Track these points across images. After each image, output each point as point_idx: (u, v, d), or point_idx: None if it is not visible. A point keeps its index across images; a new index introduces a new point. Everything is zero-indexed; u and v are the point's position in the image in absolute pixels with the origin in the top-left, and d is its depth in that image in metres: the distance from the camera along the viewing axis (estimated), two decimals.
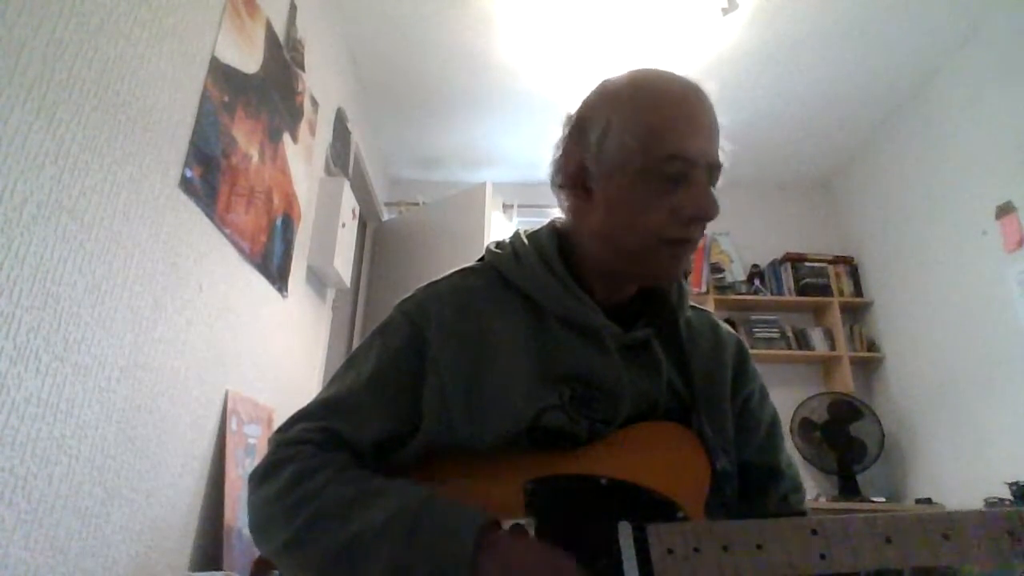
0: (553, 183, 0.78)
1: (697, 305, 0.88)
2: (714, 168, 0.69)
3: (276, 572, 1.32)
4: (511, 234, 0.83)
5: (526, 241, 0.79)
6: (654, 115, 0.68)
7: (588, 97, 0.76)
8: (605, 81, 0.75)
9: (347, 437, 0.69)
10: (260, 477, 0.68)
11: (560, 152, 0.76)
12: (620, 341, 0.74)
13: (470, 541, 0.56)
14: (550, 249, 0.77)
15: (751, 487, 0.78)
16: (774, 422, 0.84)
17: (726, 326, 0.87)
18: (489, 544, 0.56)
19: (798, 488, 0.82)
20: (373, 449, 0.70)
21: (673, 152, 0.67)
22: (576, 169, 0.73)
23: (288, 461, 0.66)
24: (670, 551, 0.58)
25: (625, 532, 0.60)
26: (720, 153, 0.70)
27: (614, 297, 0.77)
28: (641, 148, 0.68)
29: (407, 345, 0.73)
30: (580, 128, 0.74)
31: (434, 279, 0.80)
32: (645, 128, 0.68)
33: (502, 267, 0.78)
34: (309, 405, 0.73)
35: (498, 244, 0.82)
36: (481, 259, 0.83)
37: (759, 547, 0.58)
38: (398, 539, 0.58)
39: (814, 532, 0.59)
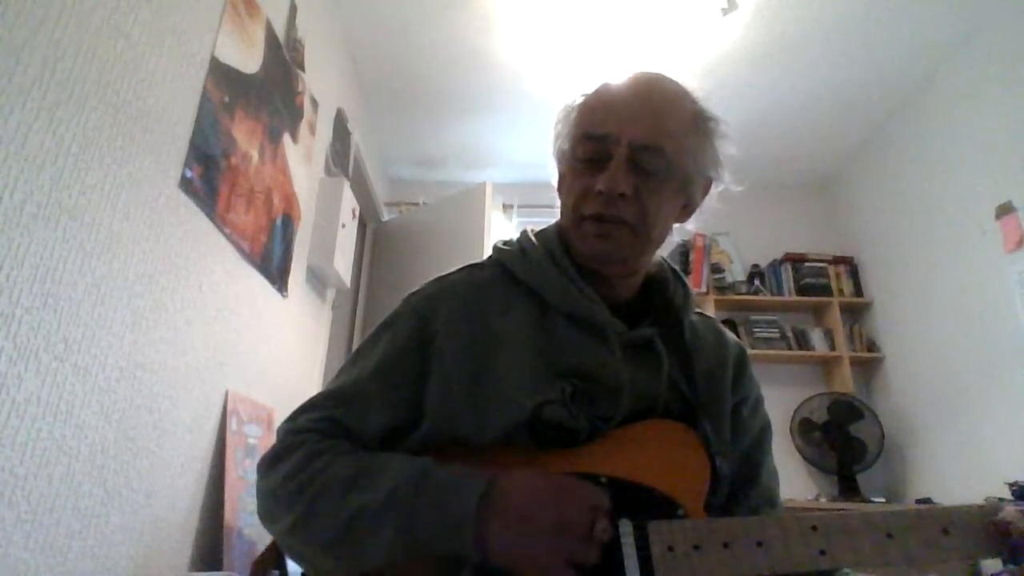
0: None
1: (703, 311, 0.89)
2: (638, 148, 0.70)
3: (276, 572, 1.32)
4: (519, 233, 0.84)
5: (533, 239, 0.80)
6: (581, 107, 0.77)
7: None
8: None
9: (352, 428, 0.70)
10: (268, 464, 0.69)
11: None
12: (624, 338, 0.74)
13: (473, 499, 0.57)
14: (557, 246, 0.78)
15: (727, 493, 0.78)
16: (763, 434, 0.84)
17: (730, 333, 0.88)
18: (492, 501, 0.57)
19: (773, 503, 0.82)
20: (377, 440, 0.71)
21: (587, 133, 0.73)
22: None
23: (294, 448, 0.67)
24: (671, 548, 0.58)
25: (626, 530, 0.60)
26: (665, 137, 0.71)
27: (616, 294, 0.78)
28: (568, 137, 0.77)
29: (413, 337, 0.74)
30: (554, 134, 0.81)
31: (442, 273, 0.81)
32: (573, 119, 0.77)
33: (509, 263, 0.79)
34: (316, 396, 0.74)
35: (505, 242, 0.84)
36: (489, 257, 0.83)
37: (759, 544, 0.58)
38: (402, 506, 0.59)
39: (814, 528, 0.59)
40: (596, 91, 0.77)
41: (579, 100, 0.78)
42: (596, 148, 0.72)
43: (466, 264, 0.82)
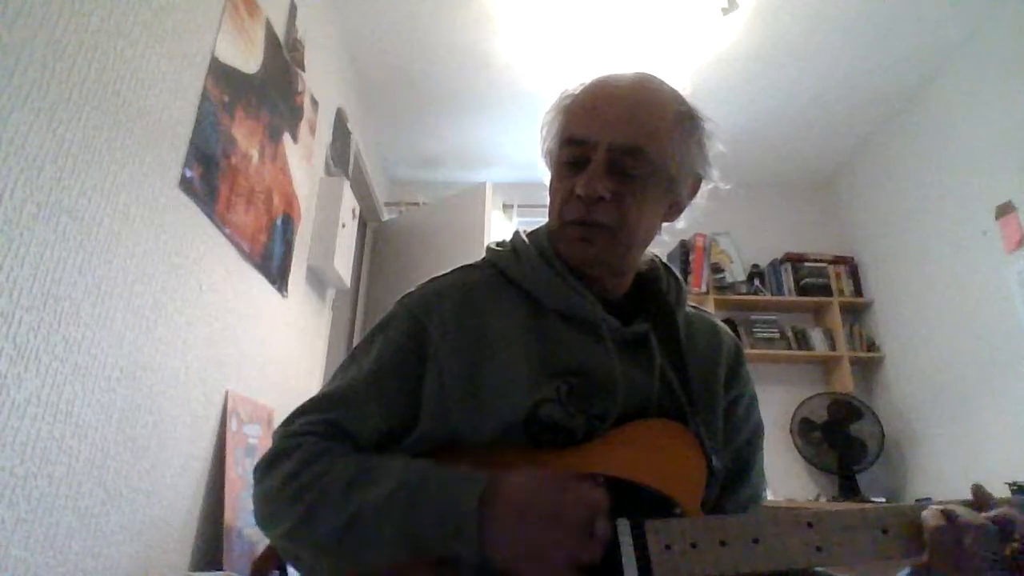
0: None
1: (699, 307, 0.89)
2: (619, 151, 0.71)
3: (276, 572, 1.32)
4: (511, 234, 0.84)
5: (526, 239, 0.81)
6: (563, 110, 0.78)
7: None
8: None
9: (349, 429, 0.70)
10: (264, 468, 0.69)
11: None
12: (618, 335, 0.74)
13: (475, 495, 0.57)
14: (548, 246, 0.78)
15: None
16: (756, 432, 0.84)
17: (727, 328, 0.88)
18: (493, 495, 0.57)
19: (758, 499, 0.83)
20: (374, 443, 0.71)
21: (568, 137, 0.75)
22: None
23: (292, 451, 0.67)
24: (668, 547, 0.58)
25: (623, 529, 0.60)
26: (646, 139, 0.71)
27: (608, 292, 0.78)
28: (553, 141, 0.78)
29: (408, 339, 0.74)
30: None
31: (436, 275, 0.81)
32: (556, 123, 0.78)
33: (502, 264, 0.79)
34: (312, 399, 0.74)
35: (498, 243, 0.84)
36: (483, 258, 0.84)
37: (755, 541, 0.58)
38: (403, 506, 0.59)
39: (810, 525, 0.59)
40: (579, 93, 0.77)
41: (564, 102, 0.78)
42: (577, 152, 0.73)
43: (459, 265, 0.82)
